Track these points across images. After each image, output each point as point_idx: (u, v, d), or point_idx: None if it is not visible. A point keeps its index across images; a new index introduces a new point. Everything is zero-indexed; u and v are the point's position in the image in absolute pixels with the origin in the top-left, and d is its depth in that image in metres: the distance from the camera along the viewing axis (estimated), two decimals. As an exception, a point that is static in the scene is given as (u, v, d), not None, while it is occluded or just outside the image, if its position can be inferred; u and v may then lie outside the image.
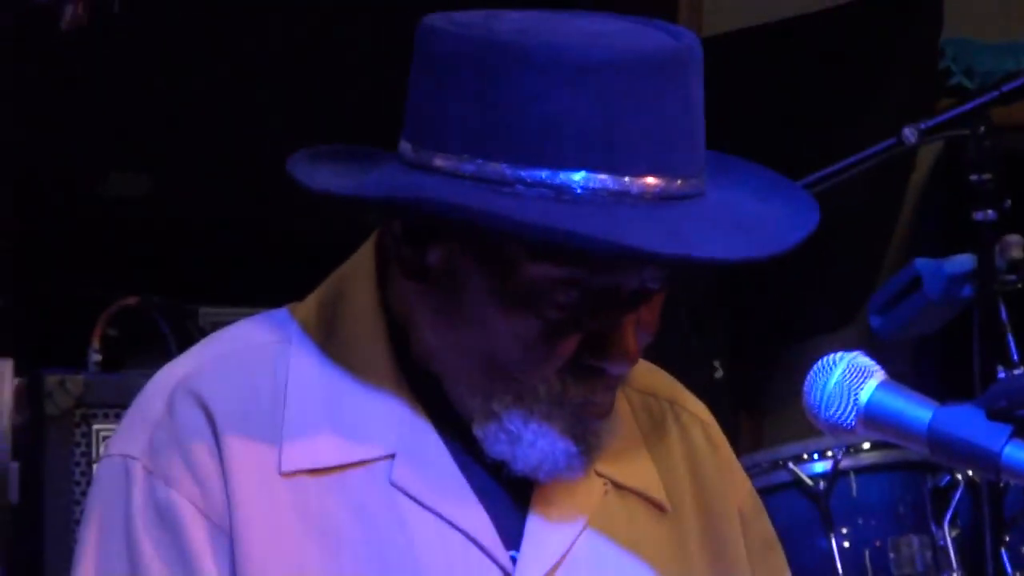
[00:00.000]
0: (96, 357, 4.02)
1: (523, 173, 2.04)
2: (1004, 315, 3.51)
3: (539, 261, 2.04)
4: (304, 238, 3.30)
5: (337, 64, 4.72)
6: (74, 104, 5.38)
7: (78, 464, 3.66)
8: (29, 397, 3.96)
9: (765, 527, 2.36)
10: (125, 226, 5.27)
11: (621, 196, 2.05)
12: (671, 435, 2.34)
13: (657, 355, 2.28)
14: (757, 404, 4.22)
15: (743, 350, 4.47)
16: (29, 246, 4.86)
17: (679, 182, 2.07)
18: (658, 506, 2.23)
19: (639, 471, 2.26)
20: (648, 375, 2.36)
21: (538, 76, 2.05)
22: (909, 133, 3.46)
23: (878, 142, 3.64)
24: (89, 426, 3.61)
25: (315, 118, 4.12)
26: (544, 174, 2.05)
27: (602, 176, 2.06)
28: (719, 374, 4.10)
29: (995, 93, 3.55)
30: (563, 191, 2.04)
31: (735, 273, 4.32)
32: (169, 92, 5.17)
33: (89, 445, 3.68)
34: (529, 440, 2.10)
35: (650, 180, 2.06)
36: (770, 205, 2.15)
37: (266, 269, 2.99)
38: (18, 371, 3.97)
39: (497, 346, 2.11)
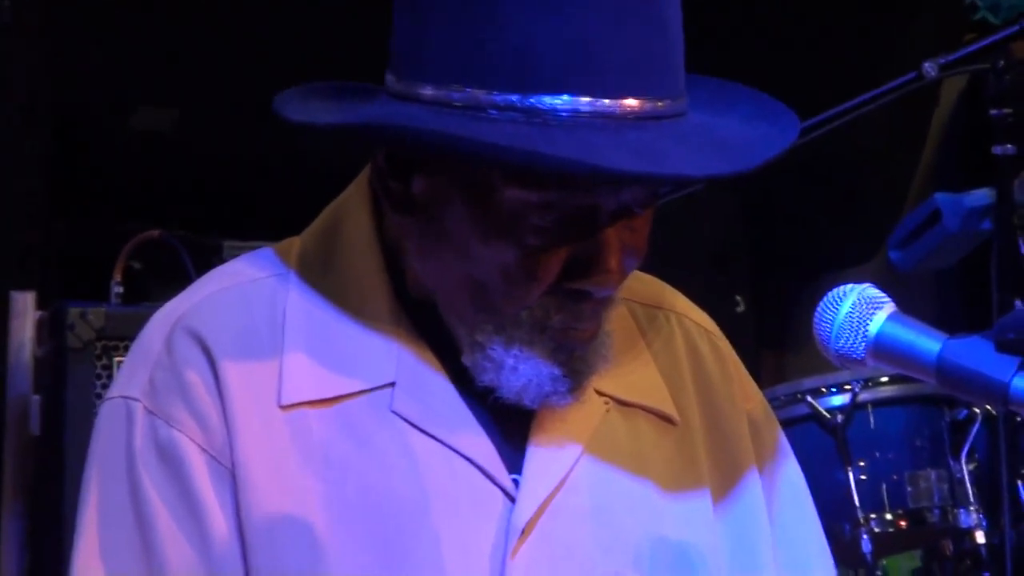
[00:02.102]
0: (118, 290, 4.02)
1: (497, 97, 2.06)
2: (1023, 249, 3.51)
3: (515, 186, 2.05)
4: (329, 173, 3.22)
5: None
6: (103, 38, 5.44)
7: (99, 396, 3.62)
8: (51, 330, 3.96)
9: (776, 435, 2.34)
10: (151, 160, 5.47)
11: (596, 118, 2.06)
12: (677, 346, 2.34)
13: (677, 287, 2.28)
14: (779, 340, 4.22)
15: (765, 285, 4.50)
16: (56, 180, 4.84)
17: (656, 103, 2.08)
18: (666, 419, 2.24)
19: (645, 386, 2.26)
20: (652, 288, 2.35)
21: (512, 2, 2.05)
22: (929, 67, 3.44)
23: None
24: (110, 359, 3.59)
25: (341, 53, 3.97)
26: (516, 98, 2.07)
27: (576, 98, 2.08)
28: (740, 308, 4.10)
29: (1016, 27, 3.54)
30: (536, 114, 2.06)
31: (758, 207, 4.45)
32: (198, 27, 5.13)
33: (110, 378, 3.63)
34: (511, 366, 2.12)
35: (626, 101, 2.07)
36: (753, 126, 2.16)
37: (291, 204, 2.93)
38: (40, 304, 3.96)
39: (479, 274, 2.12)
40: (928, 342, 1.97)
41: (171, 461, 2.16)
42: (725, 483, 2.29)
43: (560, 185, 2.07)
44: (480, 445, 2.16)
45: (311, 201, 2.51)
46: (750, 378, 2.35)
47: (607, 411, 2.22)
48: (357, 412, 2.16)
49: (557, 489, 2.19)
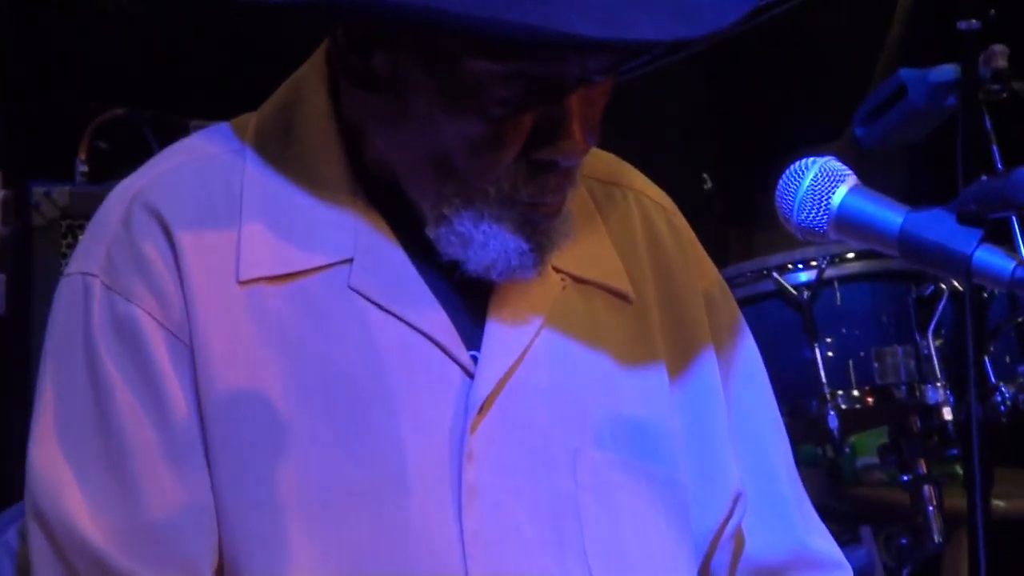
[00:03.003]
0: (83, 168, 4.08)
1: None
2: (988, 124, 3.55)
3: (479, 56, 2.05)
4: (296, 52, 3.23)
5: None
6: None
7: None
8: (16, 209, 4.01)
9: (733, 313, 2.42)
10: (117, 39, 5.06)
11: None
12: (634, 224, 2.38)
13: (644, 166, 2.35)
14: (747, 217, 4.14)
15: (732, 163, 4.54)
16: (19, 57, 4.75)
17: None
18: (621, 296, 2.30)
19: (601, 263, 2.31)
20: (609, 165, 2.39)
21: None
22: None
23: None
24: (75, 237, 3.61)
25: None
26: None
27: None
28: (708, 186, 3.99)
29: None
30: None
31: (724, 86, 4.45)
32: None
33: (74, 256, 3.64)
34: (480, 241, 2.14)
35: None
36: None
37: (256, 84, 2.92)
38: (5, 183, 4.02)
39: (446, 148, 2.12)
40: (890, 214, 2.01)
41: (129, 336, 2.18)
42: (680, 359, 2.34)
43: (525, 55, 2.06)
44: (438, 322, 2.19)
45: (276, 80, 2.52)
46: (706, 256, 2.40)
47: (563, 288, 2.26)
48: (315, 288, 2.19)
49: (516, 365, 2.22)
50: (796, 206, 2.05)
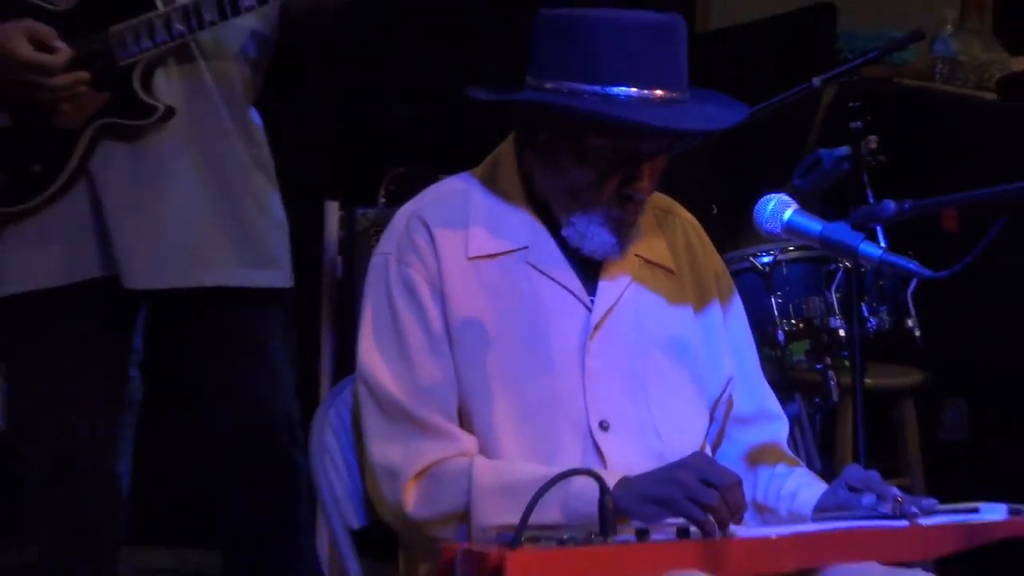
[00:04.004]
0: (383, 199, 4.72)
1: (586, 88, 2.59)
2: (865, 179, 3.94)
3: (596, 137, 2.60)
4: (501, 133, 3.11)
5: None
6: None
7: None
8: (348, 222, 4.70)
9: (730, 284, 2.97)
10: (402, 121, 5.31)
11: (639, 101, 2.58)
12: (676, 232, 2.89)
13: (680, 197, 2.96)
14: (735, 225, 4.09)
15: (729, 195, 4.53)
16: (343, 133, 5.15)
17: (672, 93, 2.61)
18: (669, 270, 2.84)
19: (658, 253, 2.84)
20: (665, 201, 2.90)
21: (596, 34, 2.59)
22: (816, 80, 4.07)
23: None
24: (378, 236, 3.23)
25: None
26: (597, 88, 2.59)
27: (629, 89, 2.59)
28: (714, 211, 4.25)
29: (862, 60, 4.11)
30: (609, 98, 2.57)
31: (725, 162, 4.66)
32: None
33: (377, 246, 3.87)
34: (589, 236, 2.69)
35: (655, 92, 2.61)
36: (722, 110, 2.75)
37: (481, 151, 3.16)
38: (341, 207, 4.70)
39: (574, 186, 2.66)
40: (815, 225, 2.71)
41: (409, 287, 2.70)
42: (701, 305, 2.88)
43: (621, 136, 2.59)
44: (572, 281, 2.73)
45: (492, 146, 2.91)
46: (715, 250, 2.96)
47: (639, 265, 2.80)
48: (508, 262, 2.73)
49: (613, 306, 2.77)
50: (764, 220, 2.76)
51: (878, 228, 3.67)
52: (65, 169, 3.44)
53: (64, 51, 3.36)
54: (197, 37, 3.46)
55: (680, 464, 2.51)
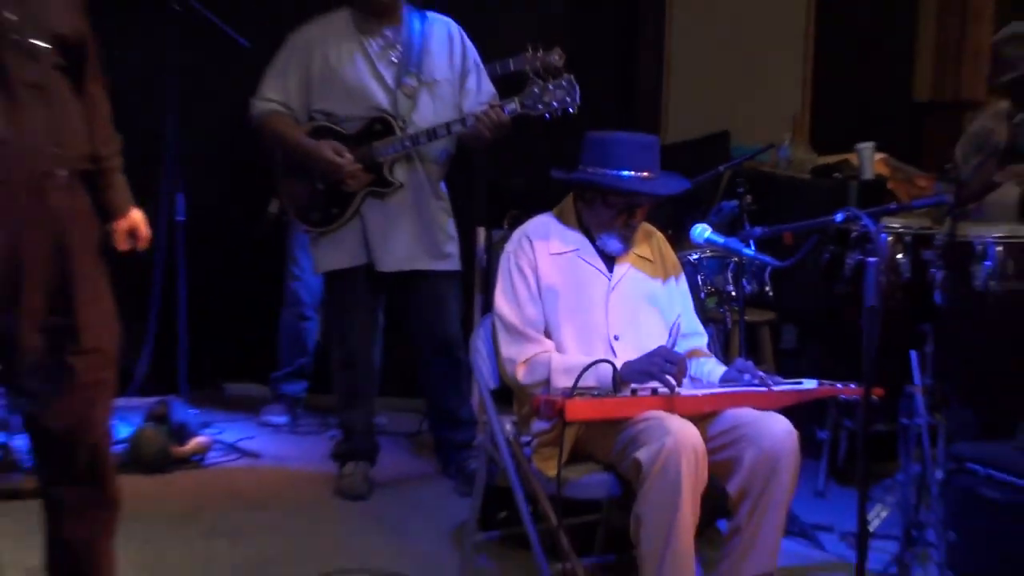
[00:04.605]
0: (506, 226, 5.42)
1: (610, 171, 3.27)
2: (745, 217, 4.55)
3: (615, 196, 3.29)
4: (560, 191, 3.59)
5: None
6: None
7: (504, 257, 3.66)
8: (488, 238, 5.38)
9: (679, 268, 3.54)
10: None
11: (636, 178, 3.26)
12: (654, 241, 3.49)
13: (654, 223, 3.57)
14: (680, 238, 4.38)
15: (675, 226, 4.77)
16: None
17: (653, 174, 3.25)
18: (650, 260, 3.45)
19: (645, 251, 3.47)
20: (648, 226, 3.47)
21: (614, 145, 3.28)
22: (721, 168, 4.84)
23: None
24: (503, 247, 3.83)
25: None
26: (613, 171, 3.24)
27: (631, 172, 3.26)
28: (670, 232, 4.10)
29: (742, 158, 4.94)
30: (620, 177, 3.23)
31: (679, 202, 4.47)
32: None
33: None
34: (610, 244, 3.39)
35: (643, 173, 3.26)
36: (677, 182, 3.33)
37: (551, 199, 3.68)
38: (486, 231, 5.40)
39: (603, 220, 3.35)
40: (720, 239, 3.52)
41: (520, 268, 3.37)
42: (666, 278, 3.47)
43: (627, 195, 3.24)
44: (601, 266, 3.35)
45: (559, 198, 3.38)
46: (673, 252, 3.57)
47: (635, 258, 3.42)
48: (569, 257, 3.40)
49: (621, 278, 3.37)
50: (695, 236, 3.53)
51: (751, 241, 3.90)
52: (349, 211, 4.67)
53: (349, 156, 4.53)
54: (417, 148, 4.54)
55: (653, 352, 3.20)
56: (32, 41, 2.59)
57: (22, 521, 2.95)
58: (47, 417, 2.67)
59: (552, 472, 3.08)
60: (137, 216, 2.98)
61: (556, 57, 4.47)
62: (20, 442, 4.30)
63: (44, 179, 2.62)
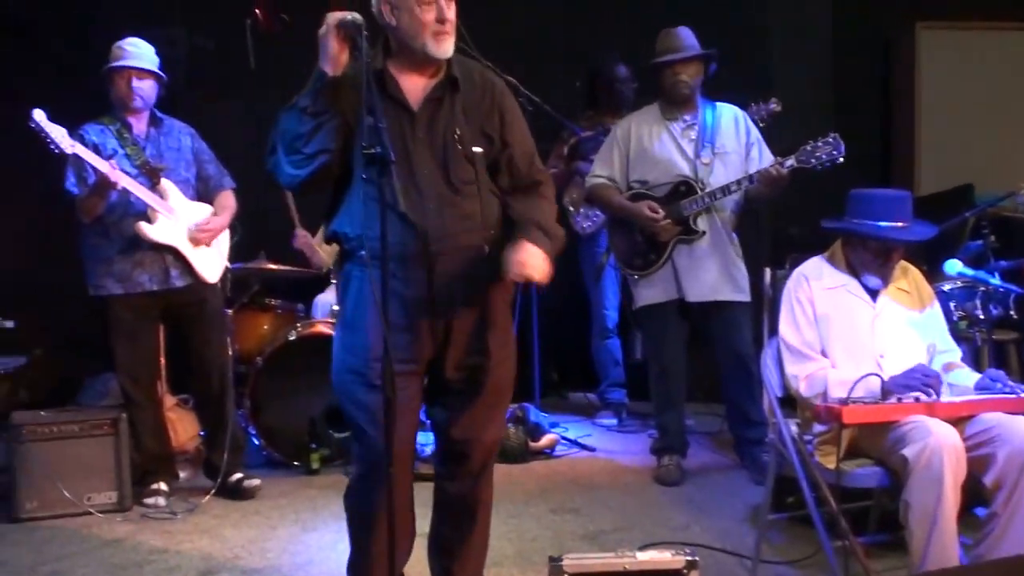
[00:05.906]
0: (787, 266, 4.12)
1: (869, 222, 3.02)
2: (991, 252, 4.18)
3: (872, 241, 3.04)
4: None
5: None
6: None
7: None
8: (773, 276, 3.92)
9: (932, 295, 3.21)
10: None
11: (892, 227, 3.00)
12: (909, 275, 3.20)
13: (913, 262, 3.31)
14: (933, 272, 3.93)
15: (928, 264, 4.07)
16: None
17: (905, 223, 2.98)
18: (908, 292, 3.22)
19: (902, 284, 3.19)
20: (904, 263, 3.16)
21: (874, 201, 3.04)
22: (967, 214, 4.53)
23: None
24: (784, 282, 3.56)
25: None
26: (873, 222, 2.97)
27: (886, 222, 3.01)
28: (924, 268, 3.62)
29: (984, 205, 4.53)
30: (879, 227, 2.96)
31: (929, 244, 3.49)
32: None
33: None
34: (871, 280, 3.13)
35: (899, 223, 2.98)
36: (925, 228, 3.05)
37: None
38: (770, 270, 3.99)
39: (866, 261, 3.06)
40: (971, 271, 3.35)
41: (800, 300, 3.18)
42: (924, 307, 3.21)
43: (883, 240, 3.00)
44: (866, 297, 3.04)
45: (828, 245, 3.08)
46: (927, 282, 3.22)
47: (895, 290, 3.18)
48: (839, 291, 3.20)
49: (884, 307, 3.15)
50: (947, 270, 3.40)
51: (997, 273, 3.86)
52: (664, 257, 4.56)
53: (661, 212, 4.48)
54: (714, 203, 4.48)
55: (913, 368, 3.01)
56: None
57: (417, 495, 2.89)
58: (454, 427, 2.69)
59: (832, 465, 2.96)
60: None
61: (773, 104, 4.36)
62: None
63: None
